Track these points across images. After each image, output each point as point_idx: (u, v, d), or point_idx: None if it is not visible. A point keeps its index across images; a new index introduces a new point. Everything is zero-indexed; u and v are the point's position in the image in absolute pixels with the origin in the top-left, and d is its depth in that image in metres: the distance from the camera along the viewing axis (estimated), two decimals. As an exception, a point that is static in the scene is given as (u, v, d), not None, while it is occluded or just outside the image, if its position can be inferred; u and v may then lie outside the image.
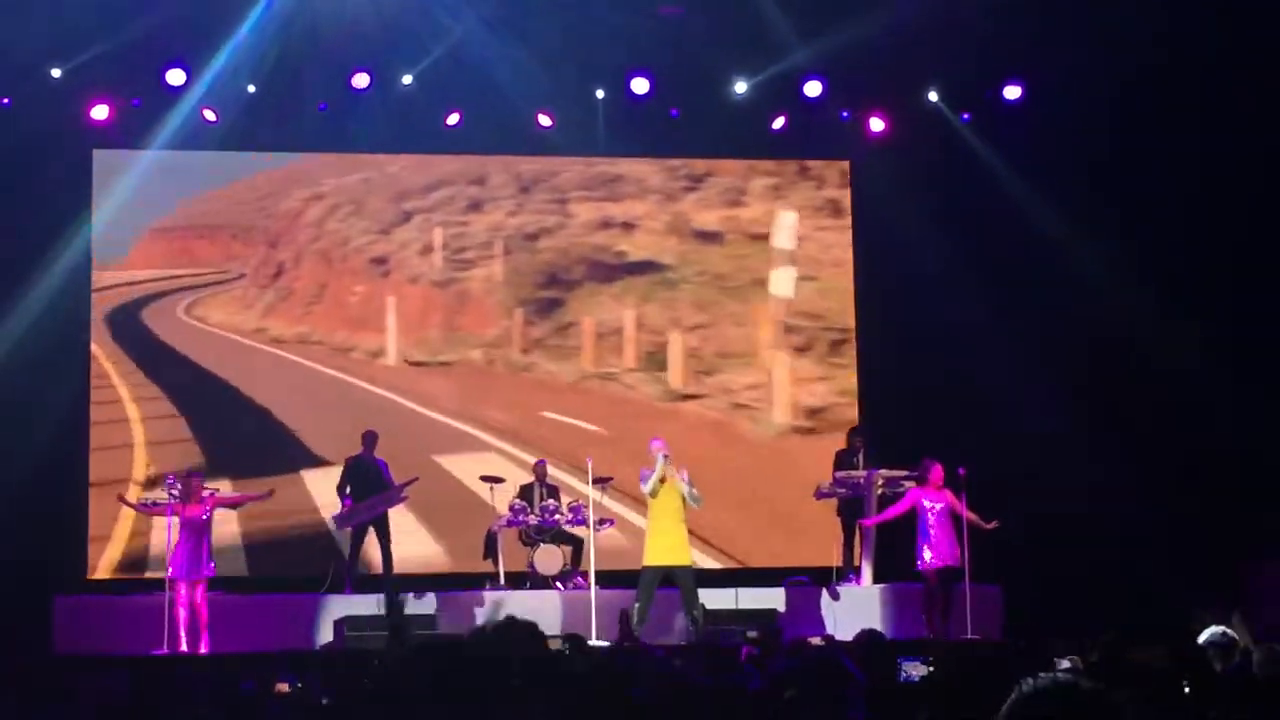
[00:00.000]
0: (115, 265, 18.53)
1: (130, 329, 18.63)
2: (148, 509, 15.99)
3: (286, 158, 19.24)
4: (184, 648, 14.68)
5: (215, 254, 19.09)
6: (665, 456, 14.95)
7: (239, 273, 19.06)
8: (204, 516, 15.03)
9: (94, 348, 18.14)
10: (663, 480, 14.92)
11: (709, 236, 19.68)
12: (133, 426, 18.13)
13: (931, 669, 8.86)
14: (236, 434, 18.34)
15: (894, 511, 15.69)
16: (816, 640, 13.85)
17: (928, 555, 15.34)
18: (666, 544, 14.97)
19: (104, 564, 17.48)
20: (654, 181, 19.71)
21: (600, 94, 18.15)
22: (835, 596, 16.21)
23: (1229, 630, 7.91)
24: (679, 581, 15.06)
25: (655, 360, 19.50)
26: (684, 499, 14.99)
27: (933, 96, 18.46)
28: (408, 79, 17.60)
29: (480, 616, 15.24)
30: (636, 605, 14.79)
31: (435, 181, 19.54)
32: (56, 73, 16.94)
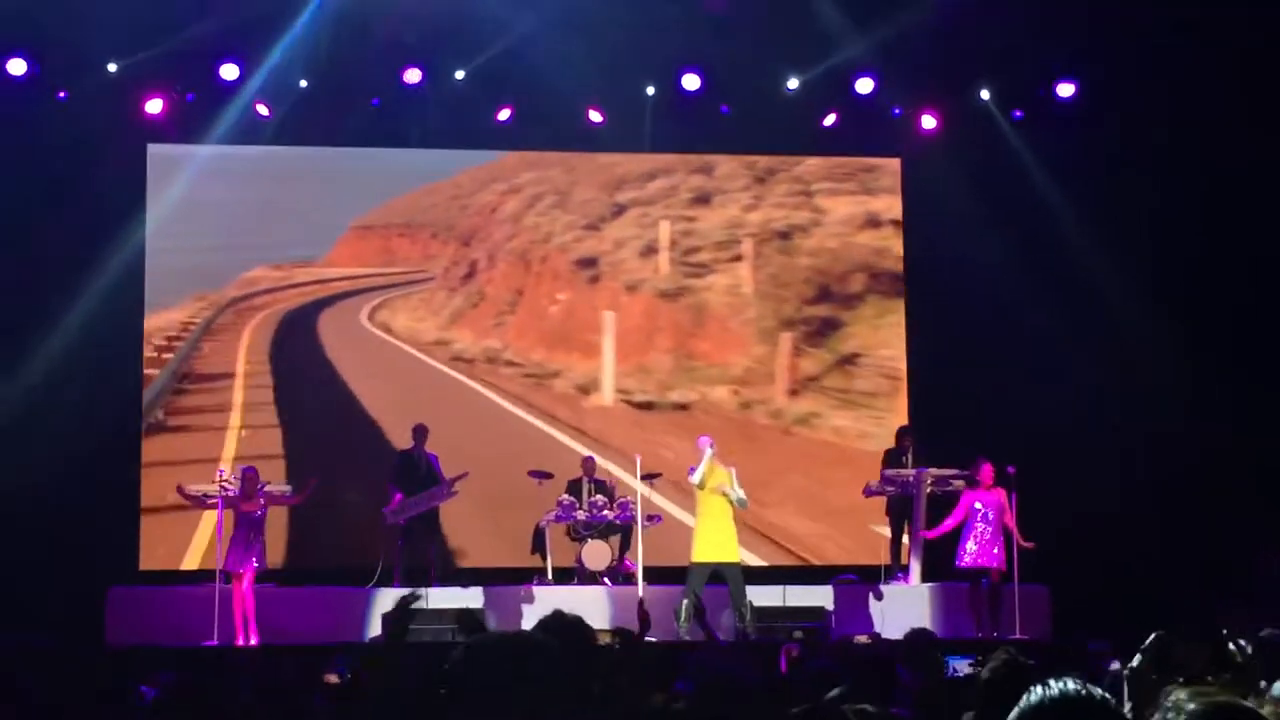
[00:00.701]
0: (315, 263, 17.14)
1: (298, 333, 16.89)
2: (202, 503, 15.98)
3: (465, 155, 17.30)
4: (240, 640, 14.78)
5: (414, 253, 17.15)
6: (711, 447, 14.89)
7: (431, 274, 17.05)
8: (259, 513, 15.10)
9: (242, 352, 16.61)
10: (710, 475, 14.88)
11: None
12: (228, 437, 16.68)
13: (977, 669, 8.83)
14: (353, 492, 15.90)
15: (952, 522, 15.56)
16: (863, 638, 13.88)
17: (968, 554, 15.31)
18: (715, 541, 14.92)
19: (188, 559, 16.88)
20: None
21: (650, 90, 18.07)
22: (880, 596, 16.16)
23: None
24: (727, 578, 15.03)
25: None
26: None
27: (984, 94, 18.35)
28: (460, 74, 17.61)
29: (527, 611, 15.25)
30: (684, 602, 14.77)
31: (651, 170, 16.68)
32: (112, 67, 17.08)
